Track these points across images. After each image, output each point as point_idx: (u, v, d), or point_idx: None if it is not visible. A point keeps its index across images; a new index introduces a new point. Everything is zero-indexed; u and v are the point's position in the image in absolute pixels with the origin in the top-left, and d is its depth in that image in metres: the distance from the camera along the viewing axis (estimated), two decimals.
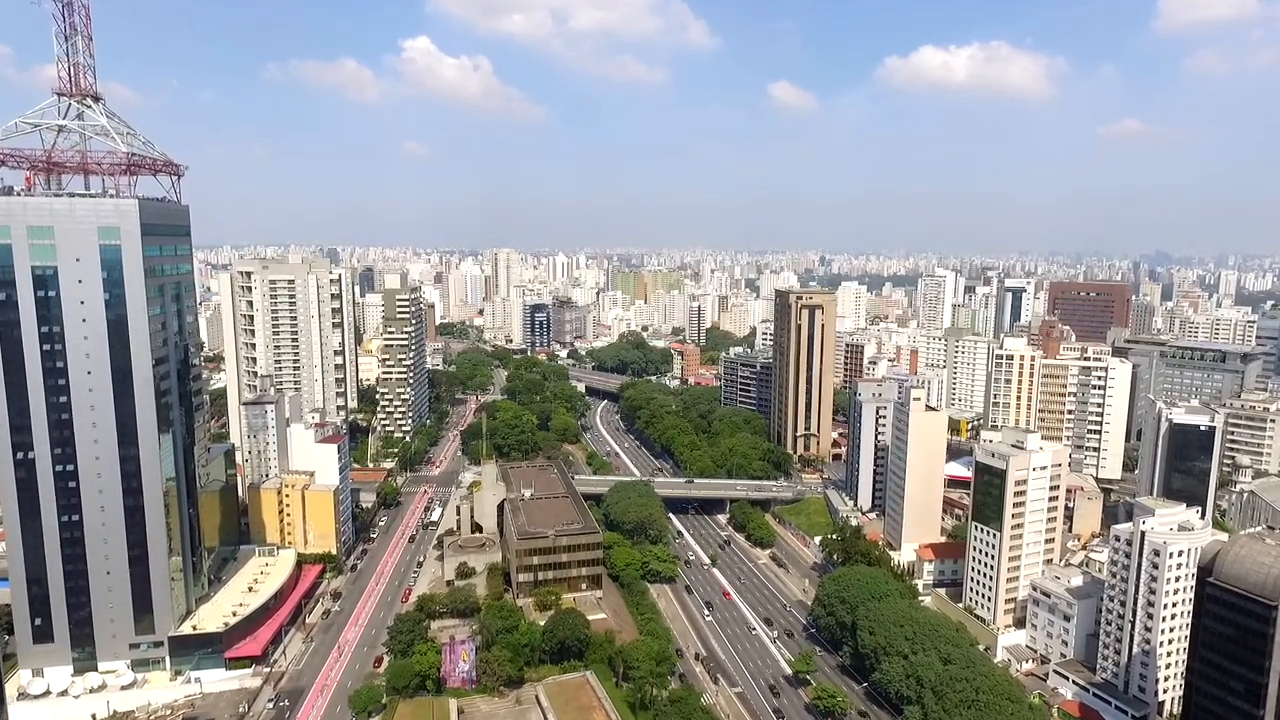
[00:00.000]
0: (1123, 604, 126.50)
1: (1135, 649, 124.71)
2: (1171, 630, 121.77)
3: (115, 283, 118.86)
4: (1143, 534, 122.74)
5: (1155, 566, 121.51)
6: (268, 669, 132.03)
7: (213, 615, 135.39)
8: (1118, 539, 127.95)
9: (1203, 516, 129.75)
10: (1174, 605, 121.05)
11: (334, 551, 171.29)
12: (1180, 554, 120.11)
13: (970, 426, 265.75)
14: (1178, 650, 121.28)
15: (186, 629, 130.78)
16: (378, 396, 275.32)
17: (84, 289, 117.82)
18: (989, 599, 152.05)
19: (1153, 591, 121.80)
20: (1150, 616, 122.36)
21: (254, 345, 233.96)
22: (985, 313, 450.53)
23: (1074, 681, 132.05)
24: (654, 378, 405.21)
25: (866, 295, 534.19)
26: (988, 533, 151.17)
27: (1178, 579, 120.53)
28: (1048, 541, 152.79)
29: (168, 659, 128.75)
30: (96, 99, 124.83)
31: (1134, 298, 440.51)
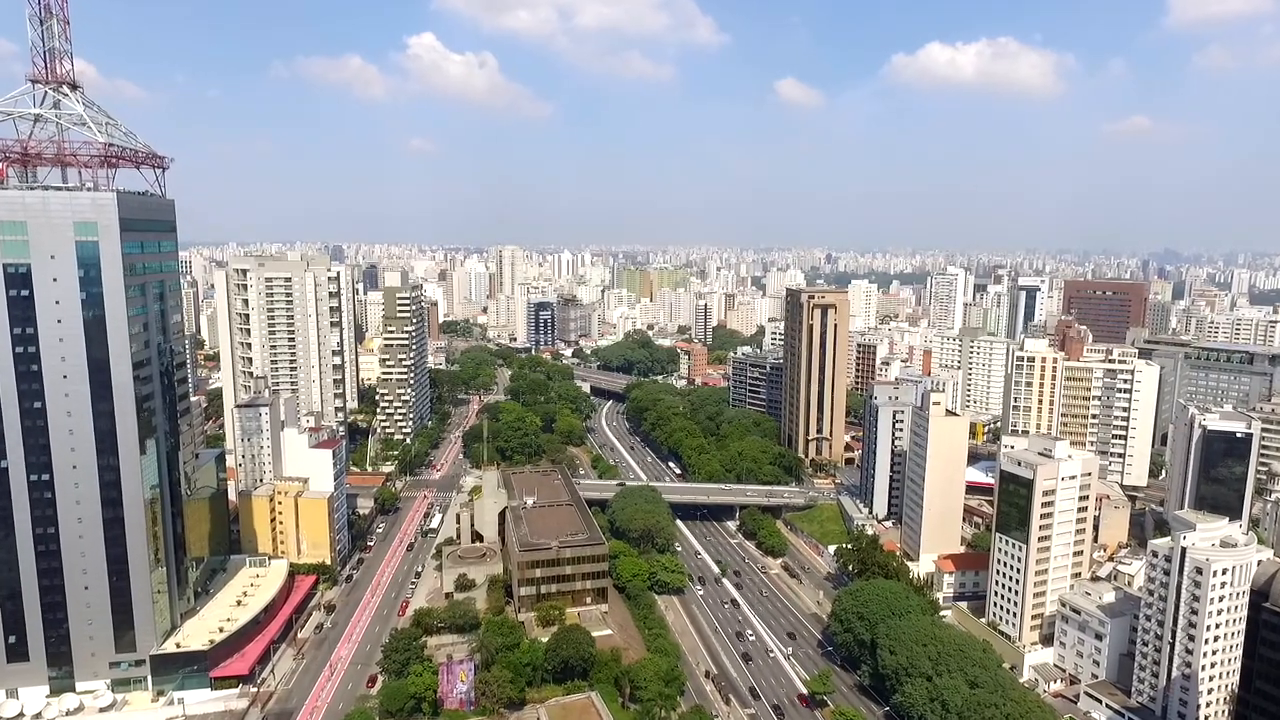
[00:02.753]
0: (1161, 624, 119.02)
1: (1175, 672, 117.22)
2: (1215, 654, 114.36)
3: (93, 281, 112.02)
4: (1183, 550, 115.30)
5: (1197, 585, 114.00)
6: (255, 689, 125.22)
7: (198, 631, 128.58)
8: (1155, 555, 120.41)
9: (1246, 532, 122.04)
10: (1218, 627, 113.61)
11: (328, 562, 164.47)
12: (1224, 572, 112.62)
13: (986, 430, 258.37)
14: (1223, 675, 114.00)
15: (170, 646, 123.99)
16: (377, 398, 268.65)
17: (59, 288, 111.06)
18: (1014, 615, 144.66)
19: (1195, 612, 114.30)
20: (1192, 639, 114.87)
21: (250, 345, 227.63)
22: (998, 312, 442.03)
23: (1107, 705, 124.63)
24: (660, 377, 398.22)
25: (877, 294, 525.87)
26: (1013, 545, 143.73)
27: (1222, 599, 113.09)
28: (1076, 554, 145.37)
29: (149, 678, 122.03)
30: (74, 87, 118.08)
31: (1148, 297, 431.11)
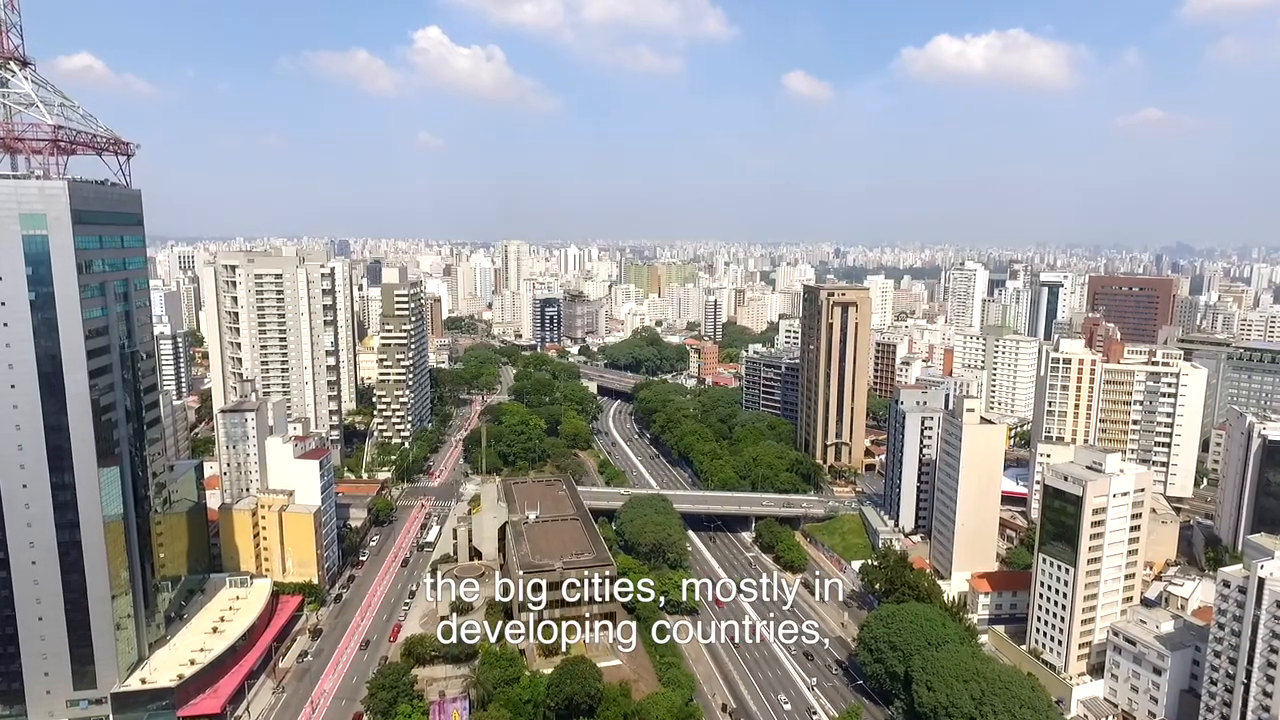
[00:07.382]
0: (1232, 661, 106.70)
1: (1250, 716, 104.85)
2: None
3: (42, 280, 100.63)
4: (1261, 580, 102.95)
5: (1278, 620, 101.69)
6: None
7: (168, 663, 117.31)
8: (1227, 585, 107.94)
9: None
10: None
11: (315, 581, 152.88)
12: None
13: (1013, 434, 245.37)
14: None
15: (134, 683, 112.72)
16: (374, 399, 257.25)
17: (5, 288, 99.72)
18: (1060, 643, 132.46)
19: (1275, 650, 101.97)
20: (1271, 680, 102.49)
21: (239, 345, 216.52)
22: (1017, 309, 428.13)
23: None
24: (669, 376, 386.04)
25: (894, 290, 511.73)
26: (1059, 567, 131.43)
27: None
28: (1128, 577, 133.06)
29: (111, 718, 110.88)
30: (24, 64, 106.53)
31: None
